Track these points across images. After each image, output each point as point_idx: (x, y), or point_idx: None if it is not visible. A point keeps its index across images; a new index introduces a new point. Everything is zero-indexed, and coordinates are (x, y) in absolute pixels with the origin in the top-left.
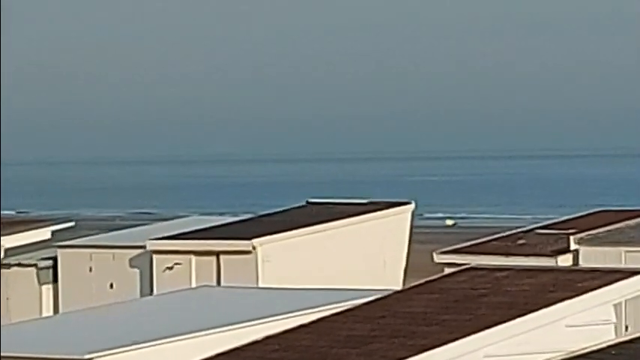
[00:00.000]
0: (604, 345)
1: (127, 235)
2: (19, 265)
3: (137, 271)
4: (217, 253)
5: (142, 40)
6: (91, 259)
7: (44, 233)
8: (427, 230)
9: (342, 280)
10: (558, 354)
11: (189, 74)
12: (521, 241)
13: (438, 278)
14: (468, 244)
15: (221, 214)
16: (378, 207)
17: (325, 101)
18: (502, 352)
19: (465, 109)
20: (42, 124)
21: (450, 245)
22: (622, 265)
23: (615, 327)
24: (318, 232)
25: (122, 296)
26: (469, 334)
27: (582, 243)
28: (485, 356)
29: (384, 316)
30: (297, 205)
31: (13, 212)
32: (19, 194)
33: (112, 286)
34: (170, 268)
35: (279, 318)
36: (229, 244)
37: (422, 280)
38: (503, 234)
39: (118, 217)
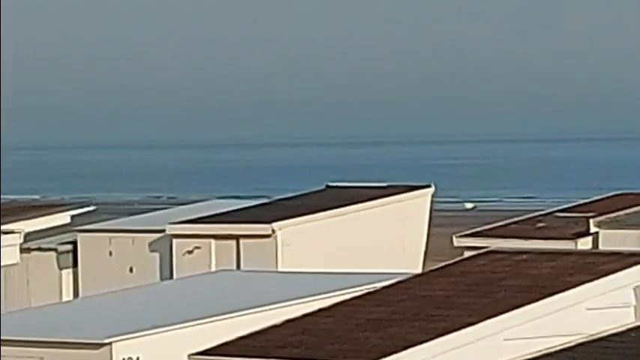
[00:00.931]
0: (624, 328)
1: (147, 219)
2: (39, 249)
3: (157, 255)
4: (237, 237)
5: (155, 25)
6: (110, 244)
7: (64, 217)
8: (446, 214)
9: (362, 263)
10: (578, 337)
11: (203, 58)
12: (540, 224)
13: (458, 261)
14: (488, 227)
15: (236, 197)
16: (398, 191)
17: (343, 85)
18: (522, 335)
19: (482, 93)
20: (59, 110)
21: (470, 228)
22: None
23: (635, 310)
24: (337, 215)
25: (142, 280)
26: (489, 318)
27: (602, 226)
28: (505, 339)
29: (403, 300)
30: (316, 189)
31: (37, 196)
32: (38, 179)
33: (131, 270)
34: (190, 252)
35: (298, 302)
36: (249, 228)
37: (441, 264)
38: (523, 217)
39: (137, 201)
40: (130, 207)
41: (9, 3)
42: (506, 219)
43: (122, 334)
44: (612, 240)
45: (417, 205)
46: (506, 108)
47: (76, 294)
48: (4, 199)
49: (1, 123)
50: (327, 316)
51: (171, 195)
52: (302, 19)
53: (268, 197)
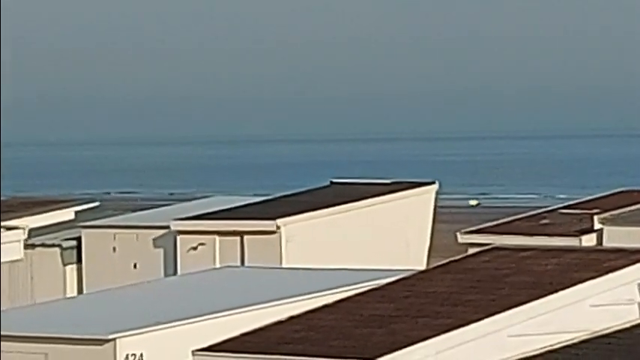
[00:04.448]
0: (628, 325)
1: (151, 215)
2: (43, 245)
3: (161, 251)
4: (241, 234)
5: (167, 21)
6: (114, 240)
7: (68, 214)
8: (451, 210)
9: (366, 260)
10: (582, 334)
11: (207, 56)
12: (544, 221)
13: (462, 258)
14: (492, 224)
15: (240, 194)
16: (402, 187)
17: (347, 82)
18: (526, 331)
19: (486, 88)
20: (65, 105)
21: (474, 225)
22: None
23: None
24: (341, 212)
25: (146, 276)
26: (493, 314)
27: (606, 223)
28: (509, 336)
29: (407, 296)
30: (320, 185)
31: (40, 193)
32: (41, 175)
33: (135, 266)
34: (194, 249)
35: (302, 298)
36: (253, 225)
37: (445, 260)
38: (527, 214)
39: (141, 197)
40: (134, 203)
41: None
42: (510, 216)
43: (126, 331)
44: (616, 237)
45: (421, 202)
46: (510, 104)
47: (80, 290)
48: (6, 195)
49: (2, 119)
50: (331, 313)
51: (175, 191)
52: (306, 15)
53: (274, 193)
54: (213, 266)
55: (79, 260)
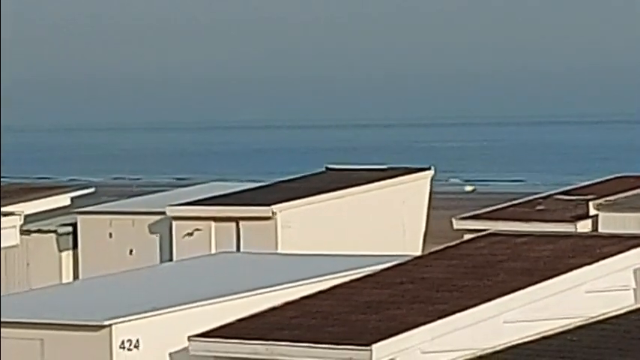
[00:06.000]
0: (624, 311)
1: (147, 201)
2: (39, 231)
3: (157, 237)
4: (237, 219)
5: (163, 6)
6: (110, 225)
7: (64, 199)
8: (446, 196)
9: (362, 246)
10: (578, 319)
11: (205, 39)
12: (540, 207)
13: (458, 244)
14: (488, 210)
15: (236, 179)
16: (398, 173)
17: (341, 67)
18: (522, 317)
19: (482, 74)
20: (60, 91)
21: (470, 211)
22: None
23: (635, 292)
24: (337, 198)
25: (142, 262)
26: (488, 300)
27: (601, 209)
28: (504, 322)
29: (403, 282)
30: (316, 171)
31: (31, 179)
32: (38, 161)
33: (131, 252)
34: (190, 234)
35: (298, 284)
36: (249, 210)
37: (441, 246)
38: (522, 200)
39: (137, 183)
40: (130, 189)
41: None
42: (506, 202)
43: (122, 316)
44: (612, 223)
45: (416, 188)
46: (505, 89)
47: (75, 276)
48: (3, 181)
49: (1, 104)
50: (327, 299)
51: (170, 177)
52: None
53: (268, 180)
54: (208, 252)
55: (75, 246)
